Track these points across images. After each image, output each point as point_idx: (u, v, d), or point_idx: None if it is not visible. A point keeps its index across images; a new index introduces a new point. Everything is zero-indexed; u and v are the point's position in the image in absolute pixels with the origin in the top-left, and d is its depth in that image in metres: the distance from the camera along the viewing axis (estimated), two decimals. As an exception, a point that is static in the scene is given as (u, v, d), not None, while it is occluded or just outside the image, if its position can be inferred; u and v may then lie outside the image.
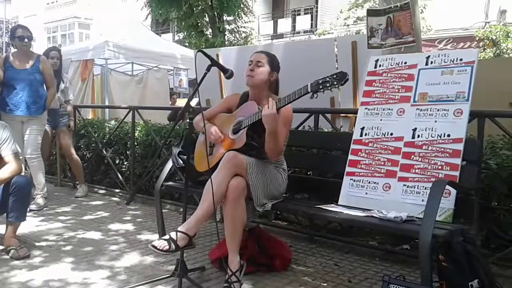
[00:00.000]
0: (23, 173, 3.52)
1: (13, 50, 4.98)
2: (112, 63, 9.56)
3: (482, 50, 14.39)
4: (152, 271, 3.04)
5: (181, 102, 10.82)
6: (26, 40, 4.67)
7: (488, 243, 3.00)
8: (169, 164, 3.49)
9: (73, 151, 5.59)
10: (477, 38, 14.91)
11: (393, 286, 2.09)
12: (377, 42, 3.74)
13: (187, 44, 17.15)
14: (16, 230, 3.39)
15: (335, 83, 2.57)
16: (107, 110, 8.26)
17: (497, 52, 14.22)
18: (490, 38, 14.39)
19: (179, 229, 2.63)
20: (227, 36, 17.85)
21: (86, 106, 8.41)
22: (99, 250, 3.47)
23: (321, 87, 2.59)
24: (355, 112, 3.38)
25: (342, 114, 5.20)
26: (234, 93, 3.22)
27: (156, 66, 10.06)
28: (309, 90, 2.62)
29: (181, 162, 3.37)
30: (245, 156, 2.78)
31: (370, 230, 3.67)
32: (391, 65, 3.04)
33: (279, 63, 3.05)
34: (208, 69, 2.74)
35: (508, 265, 2.95)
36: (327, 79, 2.59)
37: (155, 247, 2.56)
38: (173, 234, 2.61)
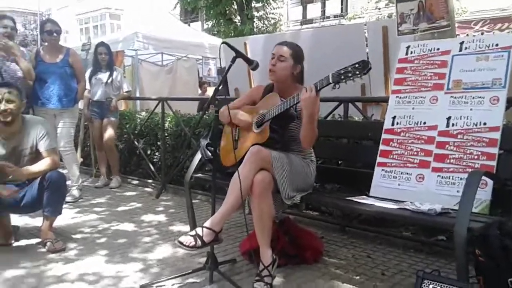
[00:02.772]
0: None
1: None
2: (142, 54, 9.65)
3: (520, 31, 13.88)
4: (184, 264, 3.07)
5: (211, 90, 10.85)
6: (54, 34, 4.76)
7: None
8: (198, 156, 3.49)
9: (114, 142, 5.71)
10: (515, 19, 14.38)
11: (427, 282, 2.04)
12: (409, 28, 3.62)
13: (216, 32, 17.15)
14: (52, 223, 3.47)
15: (357, 72, 2.48)
16: (138, 101, 8.35)
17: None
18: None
19: (204, 224, 2.62)
20: (256, 23, 17.75)
21: (120, 98, 8.51)
22: (132, 242, 3.52)
23: (342, 77, 2.50)
24: (385, 100, 3.29)
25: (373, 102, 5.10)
26: (258, 85, 3.18)
27: (185, 56, 10.09)
28: (330, 81, 2.54)
29: (210, 154, 3.36)
30: (270, 150, 2.74)
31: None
32: (423, 51, 2.93)
33: (303, 53, 2.97)
34: (233, 61, 2.71)
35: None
36: (349, 69, 2.49)
37: (182, 243, 2.56)
38: (199, 230, 2.60)
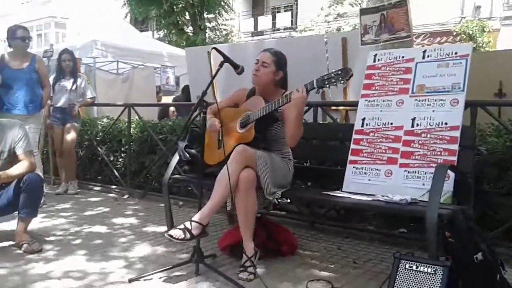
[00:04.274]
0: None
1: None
2: (97, 62, 9.56)
3: (459, 45, 14.82)
4: (166, 260, 3.17)
5: (166, 100, 10.86)
6: (27, 41, 4.80)
7: (481, 223, 3.20)
8: (176, 158, 3.60)
9: (74, 147, 5.70)
10: (454, 33, 15.35)
11: (404, 262, 2.27)
12: (372, 38, 3.93)
13: (167, 42, 17.15)
14: (28, 225, 3.47)
15: (340, 78, 2.75)
16: (95, 108, 8.28)
17: (473, 46, 14.66)
18: (466, 33, 14.84)
19: (193, 218, 2.78)
20: (208, 34, 17.91)
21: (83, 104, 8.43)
22: (109, 242, 3.58)
23: (326, 82, 2.77)
24: (354, 104, 3.57)
25: (333, 107, 5.38)
26: (241, 88, 3.36)
27: (141, 64, 10.10)
28: (315, 85, 2.80)
29: (188, 155, 3.49)
30: (254, 149, 2.93)
31: (367, 216, 3.86)
32: (389, 59, 3.22)
33: (285, 60, 3.19)
34: (221, 65, 2.88)
35: (499, 243, 3.15)
36: (332, 75, 2.77)
37: (171, 236, 2.70)
38: (187, 224, 2.75)
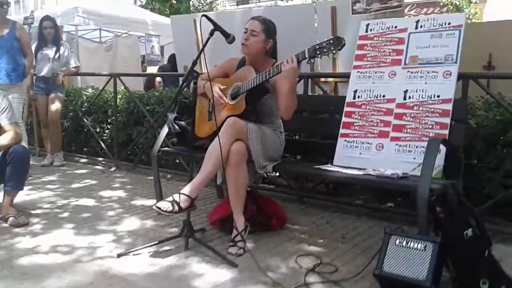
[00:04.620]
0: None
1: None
2: (79, 30, 9.32)
3: (446, 15, 14.74)
4: (155, 234, 3.14)
5: (151, 70, 10.67)
6: (5, 6, 4.64)
7: (468, 198, 3.20)
8: (165, 130, 3.54)
9: (59, 117, 5.58)
10: (441, 4, 15.25)
11: (394, 237, 2.27)
12: (362, 7, 3.86)
13: (149, 10, 16.78)
14: (14, 199, 3.42)
15: (332, 48, 2.68)
16: (79, 78, 8.10)
17: (460, 17, 14.59)
18: (453, 4, 14.75)
19: (181, 191, 2.73)
20: (192, 2, 17.56)
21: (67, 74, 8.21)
22: (97, 216, 3.54)
23: (318, 52, 2.70)
24: (345, 76, 3.51)
25: (322, 79, 5.32)
26: (231, 58, 3.28)
27: (125, 33, 9.86)
28: (307, 55, 2.73)
29: (177, 127, 3.42)
30: (245, 122, 2.88)
31: (355, 190, 3.86)
32: (382, 29, 3.16)
33: (275, 28, 3.10)
34: (211, 33, 2.79)
35: (486, 219, 3.16)
36: (324, 44, 2.70)
37: (160, 208, 2.66)
38: (176, 196, 2.70)
